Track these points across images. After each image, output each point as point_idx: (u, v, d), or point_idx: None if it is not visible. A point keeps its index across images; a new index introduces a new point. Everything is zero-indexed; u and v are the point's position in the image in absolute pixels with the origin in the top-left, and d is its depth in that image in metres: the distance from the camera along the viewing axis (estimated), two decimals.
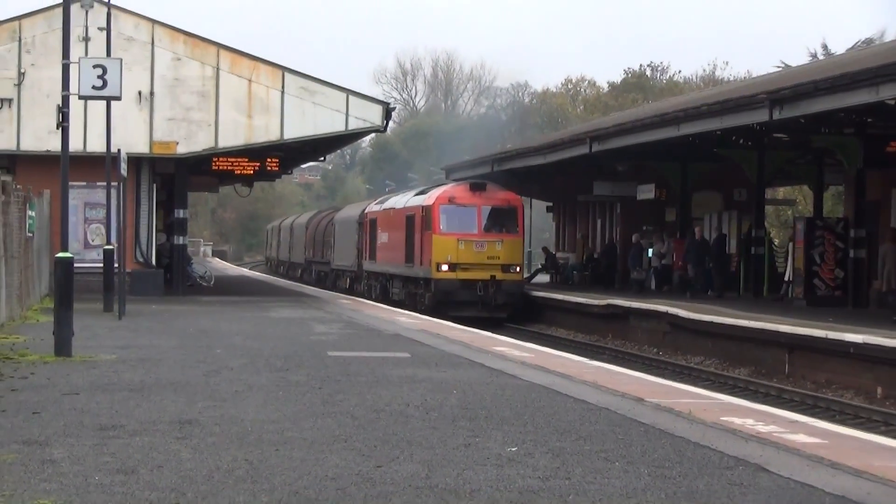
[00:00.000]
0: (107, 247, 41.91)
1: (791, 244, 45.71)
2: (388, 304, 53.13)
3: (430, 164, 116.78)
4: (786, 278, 46.38)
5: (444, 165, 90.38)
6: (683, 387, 23.88)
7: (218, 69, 49.14)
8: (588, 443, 15.40)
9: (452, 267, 52.07)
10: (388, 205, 64.07)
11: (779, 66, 75.06)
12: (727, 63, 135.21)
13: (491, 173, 62.90)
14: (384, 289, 62.41)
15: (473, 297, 51.98)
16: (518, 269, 53.77)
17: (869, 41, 79.59)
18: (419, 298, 54.61)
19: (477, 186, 54.30)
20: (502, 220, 53.57)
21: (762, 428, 17.09)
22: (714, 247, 51.55)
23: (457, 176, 71.79)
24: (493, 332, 35.75)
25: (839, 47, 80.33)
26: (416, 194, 59.60)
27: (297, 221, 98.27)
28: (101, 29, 46.13)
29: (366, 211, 68.97)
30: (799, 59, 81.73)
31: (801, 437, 16.30)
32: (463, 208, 53.14)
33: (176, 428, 15.88)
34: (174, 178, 52.50)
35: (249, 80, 49.22)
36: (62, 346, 25.26)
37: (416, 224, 55.30)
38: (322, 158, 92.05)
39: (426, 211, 54.04)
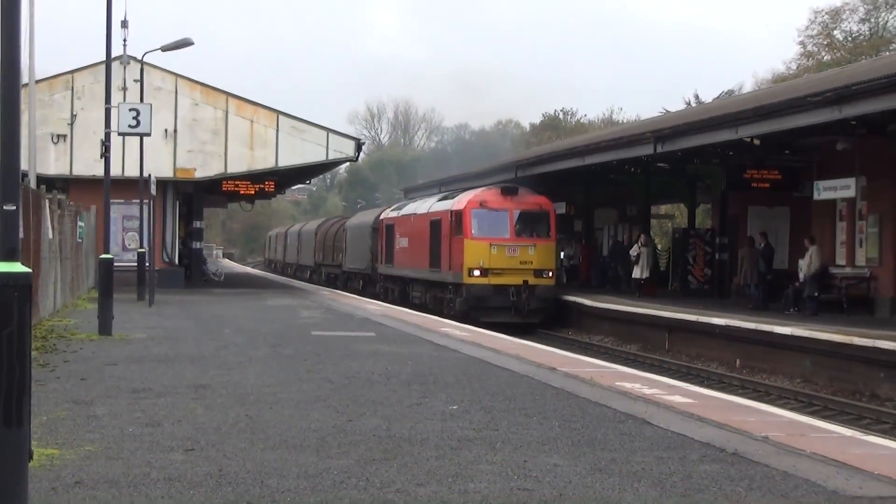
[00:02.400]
0: (140, 250, 41.74)
1: (644, 249, 45.36)
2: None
3: (393, 186, 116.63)
4: (635, 275, 45.82)
5: (402, 187, 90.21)
6: (587, 359, 23.94)
7: (227, 112, 49.04)
8: (512, 402, 15.41)
9: (484, 272, 41.75)
10: (406, 211, 53.15)
11: (661, 111, 75.06)
12: (622, 109, 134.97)
13: (440, 192, 62.25)
14: (403, 292, 51.56)
15: (506, 302, 41.59)
16: (551, 273, 42.76)
17: (730, 92, 79.70)
18: (447, 303, 44.16)
19: (508, 190, 43.70)
20: (534, 225, 43.04)
21: (647, 390, 17.14)
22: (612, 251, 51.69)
23: (413, 195, 71.39)
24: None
25: (708, 97, 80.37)
26: (440, 200, 48.83)
27: (305, 228, 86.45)
28: (135, 81, 45.99)
29: (381, 217, 57.37)
30: (677, 105, 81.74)
31: (677, 398, 16.35)
32: (495, 212, 42.51)
33: (192, 391, 15.84)
34: (193, 196, 52.46)
35: (251, 121, 49.14)
36: (104, 326, 25.20)
37: (444, 229, 44.77)
38: (308, 181, 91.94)
39: (456, 215, 43.35)
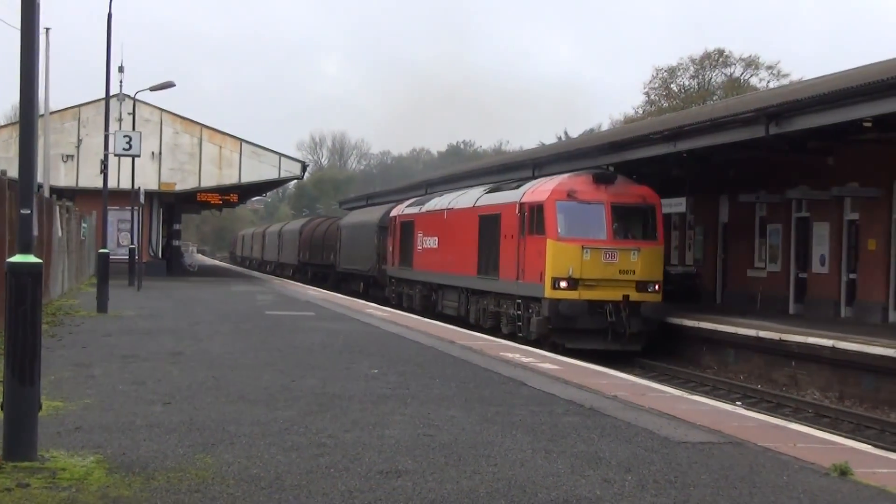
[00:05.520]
0: (130, 246, 41.40)
1: None
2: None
3: (330, 199, 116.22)
4: None
5: (339, 199, 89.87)
6: (479, 334, 23.99)
7: (201, 139, 48.65)
8: (420, 368, 15.43)
9: (573, 283, 25.35)
10: (433, 206, 36.33)
11: (539, 144, 75.56)
12: (509, 141, 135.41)
13: (367, 205, 62.04)
14: (426, 299, 35.75)
15: (601, 323, 25.30)
16: (657, 287, 26.16)
17: (592, 130, 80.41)
18: (508, 320, 28.26)
19: (603, 178, 26.92)
20: (637, 223, 26.64)
21: (525, 359, 17.24)
22: None
23: (348, 206, 70.96)
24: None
25: (574, 133, 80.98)
26: (491, 191, 31.55)
27: (287, 228, 70.85)
28: (129, 113, 45.95)
29: (392, 214, 41.60)
30: (551, 139, 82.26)
31: (548, 366, 16.46)
32: (587, 206, 26.10)
33: (170, 357, 15.69)
34: (173, 205, 52.04)
35: (220, 147, 48.80)
36: (102, 306, 24.96)
37: (505, 227, 28.35)
38: (264, 194, 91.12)
39: (533, 209, 26.59)
